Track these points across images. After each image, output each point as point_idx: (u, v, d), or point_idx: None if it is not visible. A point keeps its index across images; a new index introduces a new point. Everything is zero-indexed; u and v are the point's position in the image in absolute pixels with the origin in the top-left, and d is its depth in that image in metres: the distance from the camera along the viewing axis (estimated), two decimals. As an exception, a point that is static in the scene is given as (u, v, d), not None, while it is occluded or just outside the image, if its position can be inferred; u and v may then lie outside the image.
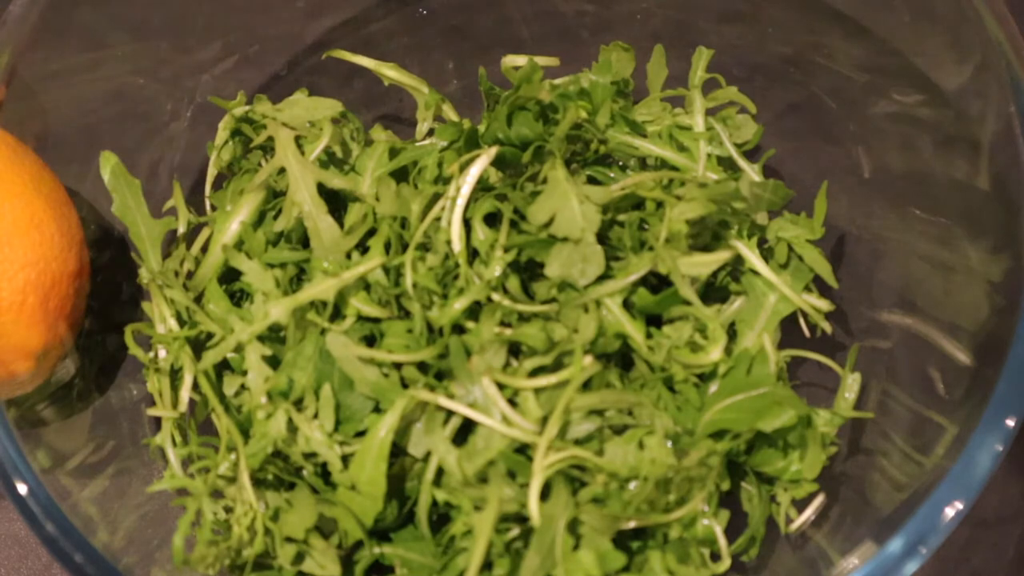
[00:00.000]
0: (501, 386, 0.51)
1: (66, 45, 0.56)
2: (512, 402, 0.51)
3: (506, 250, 0.55)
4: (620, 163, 0.63)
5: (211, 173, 0.64)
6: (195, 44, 0.63)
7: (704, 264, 0.55)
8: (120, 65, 0.60)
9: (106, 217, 0.59)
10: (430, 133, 0.66)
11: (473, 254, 0.56)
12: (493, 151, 0.57)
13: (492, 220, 0.56)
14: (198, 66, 0.64)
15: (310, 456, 0.54)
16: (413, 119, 0.66)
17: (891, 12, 0.56)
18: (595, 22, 0.67)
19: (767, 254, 0.58)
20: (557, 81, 0.63)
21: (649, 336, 0.55)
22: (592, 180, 0.61)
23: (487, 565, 0.50)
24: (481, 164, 0.56)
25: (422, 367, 0.53)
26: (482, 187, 0.57)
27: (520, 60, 0.63)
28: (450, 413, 0.52)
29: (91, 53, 0.58)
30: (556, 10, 0.67)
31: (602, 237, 0.55)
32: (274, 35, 0.64)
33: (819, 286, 0.58)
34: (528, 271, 0.56)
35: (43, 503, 0.47)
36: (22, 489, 0.48)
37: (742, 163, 0.61)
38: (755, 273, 0.57)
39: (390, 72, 0.65)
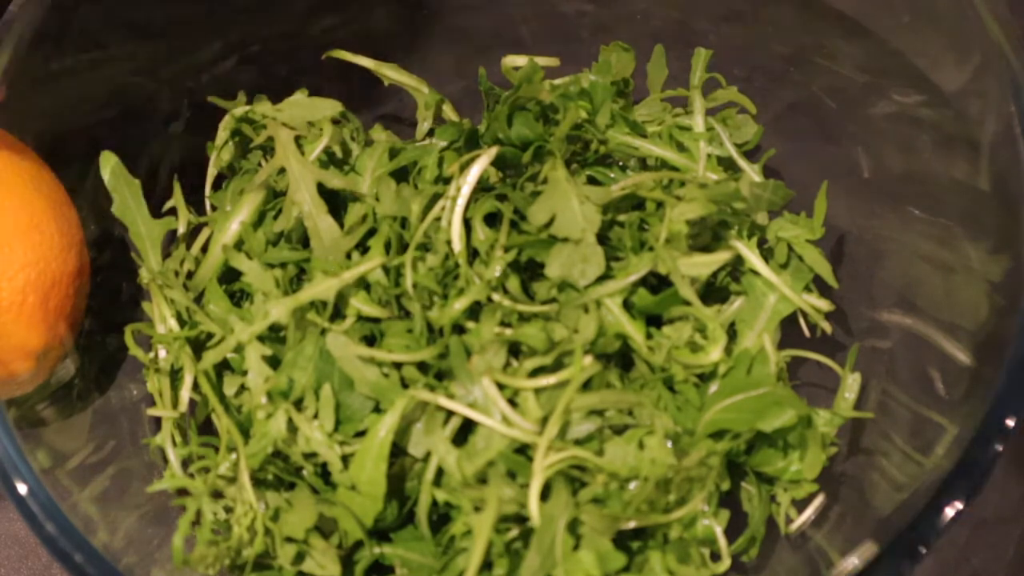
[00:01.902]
0: (501, 386, 0.51)
1: (66, 45, 0.56)
2: (512, 402, 0.51)
3: (506, 250, 0.55)
4: (620, 163, 0.63)
5: (211, 173, 0.64)
6: (195, 44, 0.63)
7: (704, 264, 0.55)
8: (120, 65, 0.60)
9: (106, 217, 0.59)
10: (430, 133, 0.66)
11: (473, 254, 0.56)
12: (493, 151, 0.57)
13: (492, 220, 0.56)
14: (198, 66, 0.63)
15: (310, 456, 0.53)
16: (413, 119, 0.66)
17: (891, 12, 0.56)
18: (595, 22, 0.67)
19: (767, 254, 0.58)
20: (557, 81, 0.63)
21: (649, 336, 0.55)
22: (592, 180, 0.61)
23: (487, 565, 0.50)
24: (481, 164, 0.56)
25: (422, 367, 0.53)
26: (482, 187, 0.57)
27: (520, 60, 0.63)
28: (450, 413, 0.52)
29: (91, 53, 0.58)
30: (556, 10, 0.67)
31: (602, 237, 0.55)
32: (274, 35, 0.64)
33: (819, 286, 0.58)
34: (528, 271, 0.56)
35: (43, 503, 0.47)
36: (22, 489, 0.47)
37: (742, 163, 0.61)
38: (755, 273, 0.57)
39: (390, 72, 0.65)
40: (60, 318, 0.53)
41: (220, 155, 0.64)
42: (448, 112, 0.66)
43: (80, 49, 0.58)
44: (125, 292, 0.60)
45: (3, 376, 0.52)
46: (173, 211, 0.62)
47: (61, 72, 0.57)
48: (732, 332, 0.57)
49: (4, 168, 0.52)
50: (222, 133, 0.63)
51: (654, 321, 0.56)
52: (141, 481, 0.56)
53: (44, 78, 0.56)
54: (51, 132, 0.57)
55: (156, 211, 0.61)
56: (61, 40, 0.56)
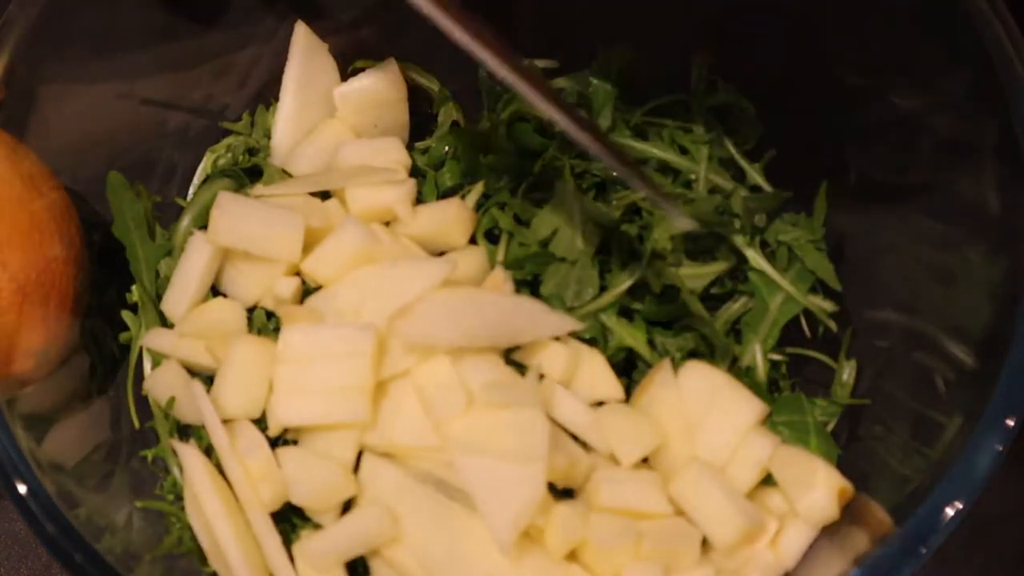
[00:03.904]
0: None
1: (66, 45, 0.56)
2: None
3: (507, 267, 0.55)
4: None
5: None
6: (195, 44, 0.63)
7: (702, 276, 0.55)
8: (120, 66, 0.60)
9: (106, 217, 0.59)
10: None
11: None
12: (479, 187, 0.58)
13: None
14: (198, 67, 0.63)
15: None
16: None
17: (891, 13, 0.56)
18: (595, 22, 0.67)
19: (768, 257, 0.58)
20: (556, 82, 0.63)
21: (652, 344, 0.55)
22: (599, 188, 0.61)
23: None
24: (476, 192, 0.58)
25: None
26: (484, 193, 0.58)
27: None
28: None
29: (91, 53, 0.58)
30: (556, 11, 0.67)
31: (605, 245, 0.55)
32: (274, 35, 0.64)
33: (819, 285, 0.59)
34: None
35: (43, 503, 0.47)
36: (22, 489, 0.47)
37: (743, 164, 0.61)
38: (760, 274, 0.57)
39: (412, 74, 0.65)
40: (60, 318, 0.53)
41: (216, 162, 0.64)
42: (451, 111, 0.65)
43: (80, 49, 0.57)
44: (125, 292, 0.60)
45: (3, 376, 0.52)
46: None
47: (61, 72, 0.57)
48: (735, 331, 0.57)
49: (4, 168, 0.52)
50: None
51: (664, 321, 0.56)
52: (142, 481, 0.56)
53: (44, 78, 0.56)
54: (51, 132, 0.57)
55: (156, 213, 0.61)
56: (61, 40, 0.56)
